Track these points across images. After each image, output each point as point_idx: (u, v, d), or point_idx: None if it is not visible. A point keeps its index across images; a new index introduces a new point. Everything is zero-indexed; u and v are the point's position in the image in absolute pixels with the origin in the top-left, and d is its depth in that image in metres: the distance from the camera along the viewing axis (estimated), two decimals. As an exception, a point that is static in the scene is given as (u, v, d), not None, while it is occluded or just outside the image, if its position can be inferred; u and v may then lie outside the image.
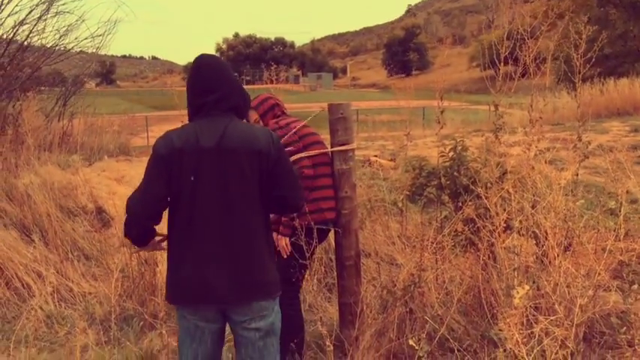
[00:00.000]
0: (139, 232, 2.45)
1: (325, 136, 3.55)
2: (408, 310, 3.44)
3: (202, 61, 2.47)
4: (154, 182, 2.35)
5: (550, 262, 3.04)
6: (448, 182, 3.88)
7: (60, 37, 9.58)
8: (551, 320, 2.59)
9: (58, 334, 4.04)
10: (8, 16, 8.78)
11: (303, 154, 3.31)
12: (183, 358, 2.47)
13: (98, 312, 4.29)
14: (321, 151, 3.39)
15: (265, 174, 2.39)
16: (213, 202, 2.32)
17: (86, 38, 9.91)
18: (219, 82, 2.42)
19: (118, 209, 5.56)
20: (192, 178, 2.30)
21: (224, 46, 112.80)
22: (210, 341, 2.45)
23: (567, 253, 3.16)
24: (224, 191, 2.32)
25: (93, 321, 4.20)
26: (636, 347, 2.57)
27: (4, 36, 8.94)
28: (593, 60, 4.31)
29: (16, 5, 8.86)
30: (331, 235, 3.65)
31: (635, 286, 2.98)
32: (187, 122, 2.46)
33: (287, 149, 3.28)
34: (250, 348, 2.44)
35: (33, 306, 4.32)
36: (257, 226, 2.41)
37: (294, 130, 3.35)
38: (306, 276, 3.62)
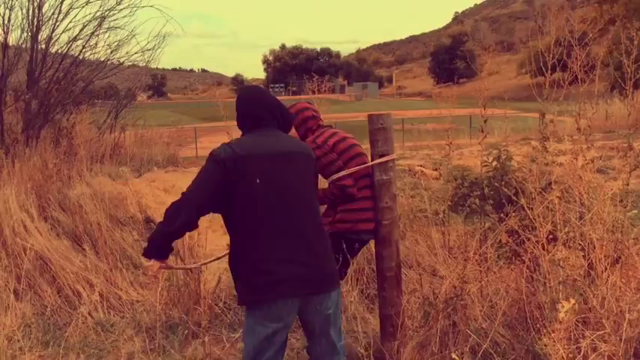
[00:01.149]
0: (171, 236, 2.66)
1: (366, 145, 3.56)
2: (450, 322, 3.38)
3: (247, 90, 3.01)
4: (210, 184, 2.57)
5: (597, 275, 2.94)
6: (491, 192, 3.81)
7: (112, 52, 9.91)
8: (599, 335, 2.51)
9: (105, 341, 4.16)
10: (63, 32, 9.15)
11: (343, 173, 3.35)
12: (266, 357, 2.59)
13: (144, 320, 4.38)
14: (362, 167, 3.41)
15: (314, 175, 2.87)
16: (281, 202, 2.59)
17: (137, 52, 10.22)
18: (263, 105, 2.82)
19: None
20: (257, 181, 2.55)
21: (270, 58, 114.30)
22: (282, 342, 2.67)
23: (616, 265, 3.06)
24: (287, 190, 2.63)
25: (139, 329, 4.29)
26: (690, 365, 2.46)
27: (59, 51, 9.31)
28: (646, 65, 4.17)
29: (70, 22, 9.21)
30: (373, 245, 3.66)
31: (689, 301, 2.85)
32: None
33: (329, 169, 3.38)
34: (331, 323, 2.74)
35: (83, 313, 4.45)
36: (319, 221, 2.76)
37: (330, 146, 3.41)
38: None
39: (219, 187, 2.56)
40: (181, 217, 2.58)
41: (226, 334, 4.22)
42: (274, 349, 2.61)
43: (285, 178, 2.64)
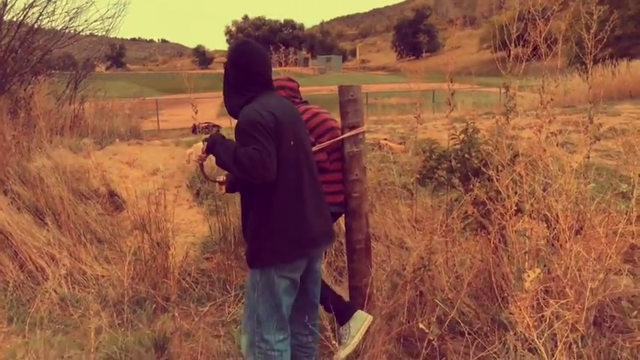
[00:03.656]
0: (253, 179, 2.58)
1: (335, 118, 3.55)
2: (418, 293, 3.45)
3: (253, 45, 2.82)
4: (273, 148, 2.55)
5: (561, 245, 3.03)
6: (459, 165, 3.86)
7: (70, 20, 9.58)
8: (562, 304, 2.59)
9: (72, 316, 4.10)
10: (18, -2, 8.80)
11: (317, 148, 3.34)
12: (278, 316, 2.72)
13: (111, 295, 4.33)
14: (333, 140, 3.39)
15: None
16: (305, 163, 2.76)
17: (96, 20, 9.93)
18: (269, 63, 2.85)
19: (129, 192, 5.58)
20: (292, 143, 2.67)
21: (233, 29, 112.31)
22: (295, 293, 2.81)
23: (578, 236, 3.15)
24: (307, 153, 2.82)
25: (106, 304, 4.25)
26: (647, 331, 2.57)
27: (15, 19, 8.95)
28: (605, 41, 4.24)
29: (26, -13, 8.85)
30: (341, 218, 3.68)
31: (647, 270, 2.97)
32: (239, 97, 2.73)
33: None
34: (317, 282, 2.95)
35: (47, 289, 4.37)
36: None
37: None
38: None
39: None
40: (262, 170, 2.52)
41: (194, 308, 4.21)
42: (291, 300, 2.77)
43: (302, 140, 2.79)
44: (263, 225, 2.67)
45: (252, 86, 2.73)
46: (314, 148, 3.34)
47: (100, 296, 4.36)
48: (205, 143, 2.69)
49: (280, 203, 2.65)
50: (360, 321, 3.24)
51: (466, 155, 3.79)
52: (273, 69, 2.94)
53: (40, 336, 3.53)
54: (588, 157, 4.06)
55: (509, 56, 3.98)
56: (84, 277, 4.67)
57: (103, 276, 4.74)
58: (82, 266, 4.78)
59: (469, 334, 3.04)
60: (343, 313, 3.29)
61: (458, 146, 3.90)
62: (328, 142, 3.39)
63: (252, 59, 2.74)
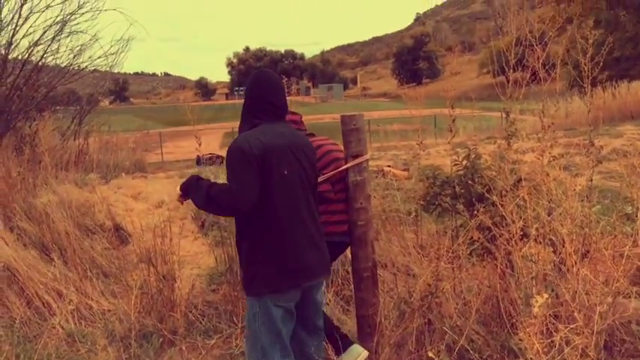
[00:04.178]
0: (231, 214, 2.82)
1: (342, 147, 3.58)
2: (426, 321, 3.43)
3: (268, 74, 2.94)
4: (253, 175, 2.60)
5: (568, 269, 3.02)
6: (462, 191, 3.88)
7: (74, 57, 9.76)
8: (571, 329, 2.57)
9: (79, 352, 4.08)
10: (23, 37, 8.97)
11: (321, 179, 3.36)
12: (281, 344, 2.74)
13: (118, 329, 4.32)
14: (336, 171, 3.42)
15: (316, 165, 3.02)
16: (301, 192, 2.77)
17: (99, 57, 10.12)
18: (283, 92, 2.92)
19: (135, 225, 5.61)
20: (285, 172, 2.69)
21: (235, 61, 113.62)
22: (293, 323, 2.82)
23: (585, 259, 3.14)
24: (305, 182, 2.81)
25: (113, 338, 4.23)
26: (658, 354, 2.55)
27: (20, 57, 9.11)
28: (603, 64, 4.29)
29: (30, 26, 9.03)
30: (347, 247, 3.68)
31: (655, 292, 2.95)
32: (244, 126, 2.82)
33: None
34: (319, 313, 2.95)
35: (54, 324, 4.36)
36: (318, 208, 2.97)
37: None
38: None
39: (258, 179, 2.63)
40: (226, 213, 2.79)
41: (201, 341, 4.19)
42: (290, 327, 2.79)
43: (303, 169, 2.81)
44: (254, 253, 2.72)
45: (262, 114, 2.81)
46: (319, 179, 3.36)
47: (107, 331, 4.34)
48: (179, 189, 2.83)
49: (271, 232, 2.69)
50: (353, 355, 3.23)
51: (469, 181, 3.80)
52: None
53: (47, 373, 3.51)
54: (591, 180, 4.07)
55: (508, 81, 4.03)
56: (90, 312, 4.66)
57: (109, 310, 4.72)
58: (89, 301, 4.77)
59: (479, 361, 3.01)
60: (337, 344, 3.29)
61: (461, 172, 3.92)
62: (331, 172, 3.41)
63: (264, 88, 2.85)
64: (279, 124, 2.84)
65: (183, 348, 3.64)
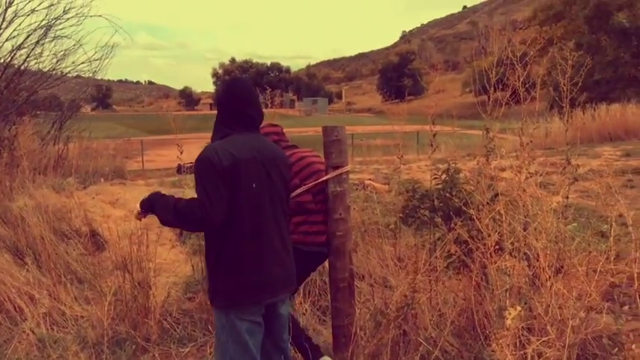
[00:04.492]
0: (202, 229, 2.70)
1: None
2: (401, 332, 3.44)
3: (241, 82, 2.86)
4: (222, 188, 2.52)
5: (542, 283, 3.05)
6: (441, 204, 3.91)
7: (57, 62, 9.68)
8: (544, 341, 2.61)
9: (49, 357, 4.00)
10: (6, 40, 8.88)
11: (301, 190, 3.38)
12: (249, 356, 2.67)
13: (90, 335, 4.26)
14: (317, 182, 3.43)
15: (290, 181, 2.92)
16: (268, 206, 2.68)
17: (83, 62, 10.01)
18: (257, 102, 2.83)
19: (111, 232, 5.54)
20: (253, 185, 2.61)
21: (220, 71, 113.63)
22: (261, 334, 2.75)
23: (559, 274, 3.18)
24: (274, 195, 2.71)
25: (85, 345, 4.16)
26: (628, 368, 2.58)
27: (2, 60, 9.02)
28: (584, 85, 4.38)
29: (14, 30, 8.95)
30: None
31: (626, 308, 3.00)
32: (216, 136, 2.74)
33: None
34: (284, 326, 2.88)
35: (25, 329, 4.29)
36: (288, 225, 2.89)
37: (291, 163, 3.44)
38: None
39: (227, 191, 2.55)
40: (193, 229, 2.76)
41: (175, 349, 4.14)
42: (258, 338, 2.71)
43: (272, 183, 2.71)
44: (217, 266, 2.66)
45: (234, 124, 2.71)
46: (297, 191, 3.38)
47: (79, 337, 4.28)
48: (139, 205, 2.74)
49: (233, 246, 2.61)
50: None
51: (448, 195, 3.84)
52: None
53: (16, 378, 3.45)
54: (567, 197, 4.14)
55: (489, 100, 4.09)
56: (63, 318, 4.58)
57: (82, 316, 4.65)
58: (62, 307, 4.69)
59: (452, 373, 3.03)
60: (308, 355, 3.29)
61: (440, 186, 3.96)
62: (312, 183, 3.42)
63: (236, 96, 2.75)
64: (251, 135, 2.73)
65: (157, 355, 3.60)
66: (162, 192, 2.79)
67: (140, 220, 2.85)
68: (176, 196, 2.69)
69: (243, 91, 2.78)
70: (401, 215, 4.21)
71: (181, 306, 4.79)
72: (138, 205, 2.75)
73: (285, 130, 3.74)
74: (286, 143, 3.59)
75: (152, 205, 2.69)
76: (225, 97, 2.77)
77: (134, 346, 4.06)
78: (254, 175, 2.62)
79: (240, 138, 2.68)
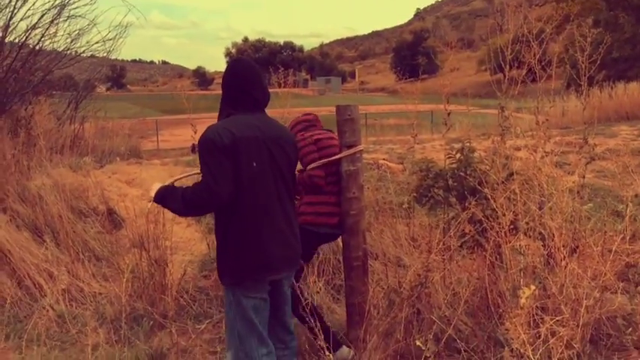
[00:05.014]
0: (208, 211, 2.75)
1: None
2: (415, 311, 3.46)
3: (246, 63, 2.87)
4: (226, 166, 2.55)
5: (556, 263, 3.05)
6: (455, 184, 3.90)
7: (71, 41, 9.67)
8: (557, 321, 2.61)
9: (69, 333, 4.10)
10: (21, 20, 8.87)
11: (316, 164, 3.40)
12: (257, 333, 2.72)
13: (108, 312, 4.34)
14: (330, 159, 3.44)
15: (295, 161, 2.93)
16: (272, 186, 2.70)
17: (97, 42, 9.99)
18: (261, 82, 2.80)
19: (128, 211, 5.61)
20: (254, 164, 2.62)
21: (233, 51, 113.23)
22: (267, 311, 2.79)
23: (574, 254, 3.18)
24: (277, 175, 2.73)
25: (103, 320, 4.25)
26: (642, 348, 2.59)
27: (17, 40, 9.04)
28: (602, 63, 4.31)
29: (28, 9, 8.93)
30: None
31: (641, 288, 2.99)
32: (221, 116, 2.77)
33: (307, 158, 3.44)
34: (287, 302, 2.93)
35: (44, 305, 4.38)
36: (294, 203, 2.92)
37: (313, 139, 3.48)
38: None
39: (232, 169, 2.58)
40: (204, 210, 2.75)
41: (192, 326, 4.21)
42: (264, 315, 2.76)
43: (275, 163, 2.72)
44: (224, 245, 2.70)
45: (237, 105, 2.75)
46: (315, 164, 3.40)
47: (97, 313, 4.36)
48: (151, 199, 2.79)
49: (237, 226, 2.65)
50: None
51: (462, 174, 3.83)
52: (271, 90, 2.97)
53: (37, 352, 3.53)
54: (584, 177, 4.10)
55: (504, 78, 4.05)
56: (81, 295, 4.67)
57: (100, 293, 4.74)
58: (80, 283, 4.78)
59: (465, 351, 3.05)
60: (310, 325, 3.35)
61: (454, 165, 3.94)
62: (324, 160, 3.43)
63: (240, 77, 2.77)
64: (255, 115, 2.75)
65: (174, 331, 3.66)
66: (178, 175, 2.83)
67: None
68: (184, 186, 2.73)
69: (246, 71, 2.79)
70: (415, 195, 4.21)
71: (197, 283, 4.86)
72: (151, 202, 2.80)
73: (298, 109, 3.75)
74: (320, 129, 3.64)
75: (162, 198, 2.72)
76: (228, 77, 2.80)
77: (151, 322, 4.14)
78: (254, 154, 2.64)
79: (242, 118, 2.71)
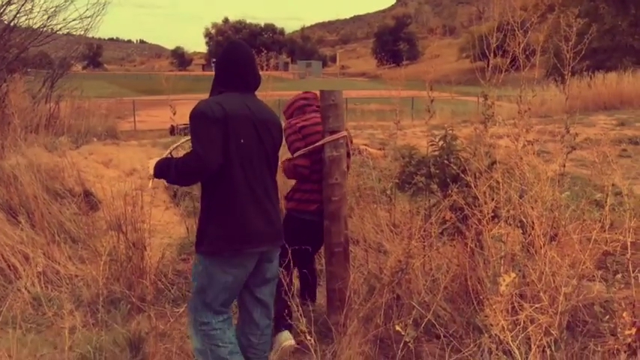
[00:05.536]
0: (199, 180, 2.79)
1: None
2: (395, 296, 3.47)
3: (240, 46, 2.97)
4: (216, 136, 2.65)
5: (536, 251, 3.08)
6: (437, 171, 3.91)
7: (48, 18, 9.47)
8: (536, 308, 2.64)
9: (45, 315, 4.03)
10: (-5, -5, 8.66)
11: (300, 152, 3.41)
12: (222, 301, 2.82)
13: (85, 295, 4.28)
14: (313, 146, 3.43)
15: (280, 144, 3.01)
16: (256, 163, 2.79)
17: (74, 20, 9.81)
18: (253, 66, 2.92)
19: (105, 192, 5.52)
20: (242, 141, 2.71)
21: (213, 31, 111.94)
22: (239, 289, 2.90)
23: (553, 242, 3.21)
24: (262, 155, 2.82)
25: (80, 303, 4.19)
26: (618, 336, 2.62)
27: (-9, 16, 8.81)
28: (583, 53, 4.33)
29: (3, -15, 8.72)
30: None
31: (619, 276, 3.04)
32: (212, 94, 2.88)
33: (292, 146, 3.45)
34: (266, 284, 2.99)
35: (19, 287, 4.30)
36: (276, 183, 2.99)
37: (297, 128, 3.48)
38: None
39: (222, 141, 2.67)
40: (196, 178, 2.79)
41: (170, 309, 4.18)
42: (229, 294, 2.84)
43: (262, 143, 2.82)
44: (207, 214, 2.80)
45: (229, 85, 2.86)
46: (299, 152, 3.41)
47: (73, 296, 4.30)
48: (151, 176, 2.89)
49: (222, 196, 2.74)
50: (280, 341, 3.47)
51: (445, 161, 3.83)
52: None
53: (12, 335, 3.46)
54: (564, 166, 4.14)
55: (487, 66, 4.04)
56: (57, 277, 4.60)
57: (76, 276, 4.67)
58: (56, 266, 4.70)
59: (445, 336, 3.08)
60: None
61: (437, 152, 3.95)
62: (308, 147, 3.42)
63: (233, 59, 2.88)
64: (245, 95, 2.86)
65: (152, 315, 3.63)
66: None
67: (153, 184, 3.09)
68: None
69: (242, 54, 2.90)
70: (397, 181, 4.21)
71: (176, 267, 4.82)
72: (151, 171, 2.88)
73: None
74: (311, 110, 3.64)
75: (160, 172, 2.82)
76: (223, 58, 2.91)
77: (129, 306, 4.09)
78: (243, 131, 2.73)
79: (233, 96, 2.81)
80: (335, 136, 3.42)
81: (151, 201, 5.04)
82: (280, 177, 3.30)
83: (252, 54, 2.95)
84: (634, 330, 2.63)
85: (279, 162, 3.15)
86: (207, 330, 2.82)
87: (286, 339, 3.48)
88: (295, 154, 3.48)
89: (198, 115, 2.68)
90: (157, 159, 2.88)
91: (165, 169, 2.77)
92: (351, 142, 3.82)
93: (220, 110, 2.67)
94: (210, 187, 2.77)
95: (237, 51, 2.92)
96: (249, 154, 2.76)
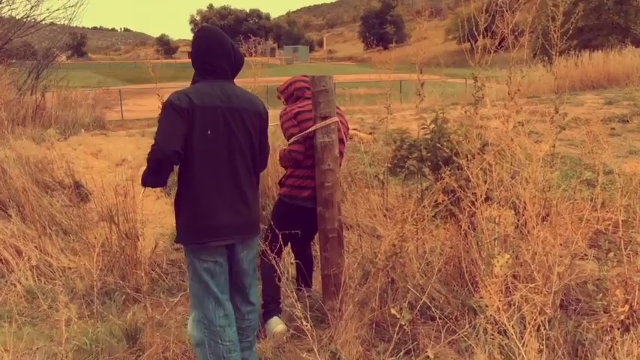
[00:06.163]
0: (167, 171, 2.67)
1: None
2: (389, 280, 3.49)
3: (210, 32, 2.87)
4: (179, 126, 2.60)
5: (529, 231, 3.10)
6: (429, 154, 3.91)
7: (31, 8, 9.34)
8: (530, 288, 2.66)
9: (39, 308, 4.02)
10: (-24, -15, 8.50)
11: (294, 139, 3.41)
12: (213, 295, 2.80)
13: (79, 287, 4.27)
14: (305, 132, 3.43)
15: (259, 132, 2.90)
16: (225, 155, 2.72)
17: (58, 9, 9.70)
18: (225, 51, 2.80)
19: (95, 183, 5.48)
20: (208, 132, 2.65)
21: (198, 18, 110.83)
22: (224, 275, 2.86)
23: (545, 222, 3.23)
24: (234, 145, 2.74)
25: (74, 295, 4.18)
26: (611, 313, 2.66)
27: (-28, 6, 8.67)
28: (570, 33, 4.34)
29: (-16, -26, 8.57)
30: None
31: (611, 254, 3.07)
32: (192, 84, 2.80)
33: (287, 133, 3.45)
34: (244, 272, 2.95)
35: (12, 281, 4.28)
36: (254, 175, 2.91)
37: (292, 114, 3.47)
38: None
39: (185, 132, 2.62)
40: (164, 172, 2.66)
41: (165, 299, 4.18)
42: (219, 280, 2.82)
43: (232, 133, 2.74)
44: (177, 208, 2.82)
45: (203, 73, 2.78)
46: (294, 138, 3.41)
47: (67, 288, 4.28)
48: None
49: (187, 190, 2.73)
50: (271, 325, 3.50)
51: (437, 144, 3.83)
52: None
53: (7, 329, 3.45)
54: (554, 147, 4.16)
55: (474, 47, 4.04)
56: (50, 269, 4.58)
57: (70, 268, 4.65)
58: (48, 258, 4.68)
59: (440, 318, 3.10)
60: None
61: (428, 136, 3.94)
62: (300, 134, 3.42)
63: (202, 47, 2.80)
64: (219, 84, 2.77)
65: (147, 305, 3.62)
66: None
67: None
68: None
69: (209, 40, 2.80)
70: (389, 165, 4.21)
71: (169, 256, 4.82)
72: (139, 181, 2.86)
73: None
74: (309, 94, 3.61)
75: (144, 179, 2.75)
76: (193, 46, 2.84)
77: (124, 297, 4.09)
78: (210, 122, 2.67)
79: (206, 86, 2.74)
80: (326, 122, 3.41)
81: (142, 191, 5.01)
82: (277, 165, 3.29)
83: (222, 38, 2.82)
84: (627, 307, 2.66)
85: (270, 149, 3.14)
86: (208, 326, 2.82)
87: (277, 324, 3.50)
88: (291, 140, 3.48)
89: (165, 106, 2.64)
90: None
91: (143, 174, 2.74)
92: (348, 128, 3.80)
93: (187, 101, 2.62)
94: (179, 180, 2.76)
95: (207, 38, 2.81)
96: (217, 146, 2.70)
